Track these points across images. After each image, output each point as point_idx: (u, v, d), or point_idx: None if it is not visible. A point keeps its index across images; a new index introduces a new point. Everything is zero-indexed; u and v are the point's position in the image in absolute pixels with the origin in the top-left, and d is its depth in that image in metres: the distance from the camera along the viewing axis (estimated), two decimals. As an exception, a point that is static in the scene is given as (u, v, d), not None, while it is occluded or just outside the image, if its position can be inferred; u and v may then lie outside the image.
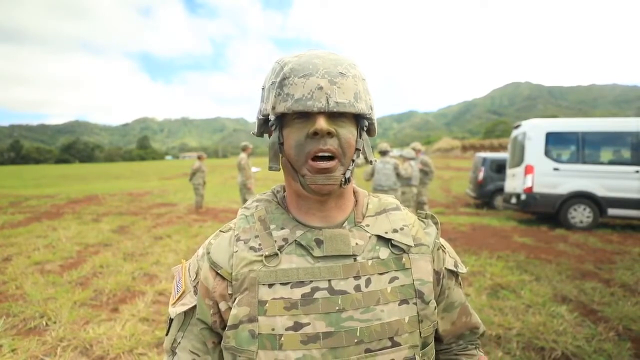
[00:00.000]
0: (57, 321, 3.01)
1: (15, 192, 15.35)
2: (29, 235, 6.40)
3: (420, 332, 0.60)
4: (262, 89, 0.63)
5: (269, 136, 0.63)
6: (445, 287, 0.69)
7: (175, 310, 0.62)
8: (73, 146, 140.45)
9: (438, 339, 0.72)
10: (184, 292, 0.64)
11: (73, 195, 13.18)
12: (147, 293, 3.65)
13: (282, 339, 0.55)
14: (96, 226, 7.31)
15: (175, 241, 5.91)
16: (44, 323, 3.00)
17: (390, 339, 0.57)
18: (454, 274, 0.71)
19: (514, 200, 7.63)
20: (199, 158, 9.62)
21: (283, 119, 0.60)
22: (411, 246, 0.63)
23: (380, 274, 0.60)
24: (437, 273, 0.66)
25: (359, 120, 0.61)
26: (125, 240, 6.02)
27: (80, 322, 3.03)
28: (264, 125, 0.63)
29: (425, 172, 7.47)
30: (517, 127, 8.07)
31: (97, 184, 19.84)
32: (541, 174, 7.05)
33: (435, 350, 0.72)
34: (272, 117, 0.59)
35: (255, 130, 0.66)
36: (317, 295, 0.57)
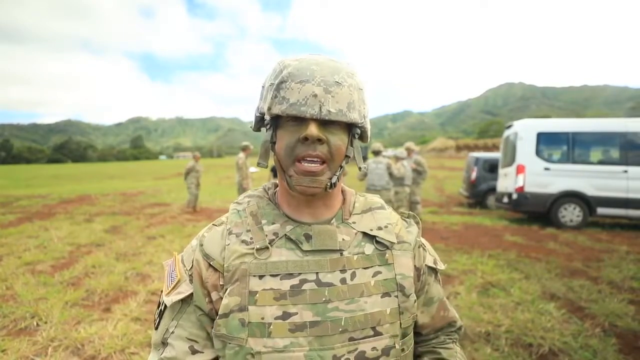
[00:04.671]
0: (48, 321, 3.00)
1: (6, 192, 15.17)
2: (20, 236, 6.33)
3: (400, 323, 0.63)
4: (262, 87, 0.65)
5: (266, 132, 0.66)
6: (425, 282, 0.72)
7: (170, 299, 0.63)
8: (65, 146, 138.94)
9: (418, 331, 0.74)
10: (179, 281, 0.65)
11: (65, 195, 13.05)
12: (139, 293, 3.64)
13: (271, 327, 0.57)
14: (88, 226, 7.25)
15: (169, 241, 5.89)
16: (35, 323, 2.98)
17: (373, 328, 0.61)
18: (433, 270, 0.74)
19: (505, 199, 7.71)
20: (194, 158, 9.62)
21: (278, 120, 0.62)
22: (394, 243, 0.67)
23: (365, 268, 0.63)
24: (417, 269, 0.70)
25: (351, 128, 0.63)
26: (118, 240, 5.98)
27: (71, 322, 3.01)
28: (261, 121, 0.67)
29: (419, 172, 7.53)
30: (509, 127, 8.16)
31: (90, 184, 19.66)
32: (532, 174, 7.14)
33: (415, 343, 0.75)
34: (267, 118, 0.62)
35: (253, 125, 0.69)
36: (305, 286, 0.60)
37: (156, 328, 0.65)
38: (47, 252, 5.21)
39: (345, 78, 0.59)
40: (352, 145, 0.64)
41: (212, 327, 0.62)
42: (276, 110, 0.59)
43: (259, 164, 0.67)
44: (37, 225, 7.41)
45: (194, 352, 0.61)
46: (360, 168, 0.69)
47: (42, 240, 5.94)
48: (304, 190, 0.60)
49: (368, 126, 0.66)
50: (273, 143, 0.63)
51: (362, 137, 0.67)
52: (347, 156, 0.63)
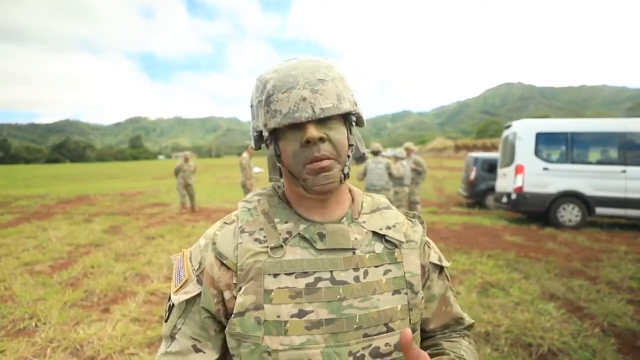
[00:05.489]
0: (47, 322, 2.99)
1: (4, 192, 15.11)
2: (19, 236, 6.31)
3: (410, 319, 0.65)
4: (251, 106, 0.66)
5: (267, 148, 0.67)
6: (428, 279, 0.74)
7: (177, 297, 0.65)
8: (64, 145, 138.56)
9: (422, 328, 0.75)
10: (186, 280, 0.66)
11: (64, 196, 13.02)
12: (138, 293, 3.63)
13: (287, 325, 0.58)
14: (87, 226, 7.23)
15: (168, 241, 5.88)
16: (34, 324, 2.97)
17: (385, 325, 0.62)
18: (437, 267, 0.76)
19: (504, 199, 7.72)
20: (184, 158, 9.39)
21: (276, 133, 0.63)
22: (403, 242, 0.68)
23: (376, 266, 0.65)
24: (423, 267, 0.72)
25: (347, 117, 0.64)
26: (116, 240, 5.97)
27: (70, 322, 3.01)
28: (260, 139, 0.67)
29: (418, 172, 7.53)
30: (507, 127, 8.17)
31: (89, 184, 19.61)
32: (531, 174, 7.15)
33: (423, 339, 0.77)
34: (265, 134, 0.63)
35: (253, 145, 0.69)
36: (320, 285, 0.61)
37: (166, 321, 0.67)
38: (45, 252, 5.20)
39: (326, 73, 0.60)
40: (351, 134, 0.65)
41: (215, 328, 0.64)
42: (272, 124, 0.60)
43: (271, 180, 0.68)
44: (36, 225, 7.39)
45: (197, 350, 0.63)
46: (363, 154, 0.70)
47: (40, 240, 5.92)
48: (321, 189, 0.61)
49: (360, 110, 0.67)
50: (278, 156, 0.64)
51: (358, 122, 0.68)
52: (350, 145, 0.64)
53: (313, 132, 0.58)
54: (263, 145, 0.69)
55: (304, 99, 0.58)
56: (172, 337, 0.65)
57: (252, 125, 0.67)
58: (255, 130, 0.66)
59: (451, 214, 9.00)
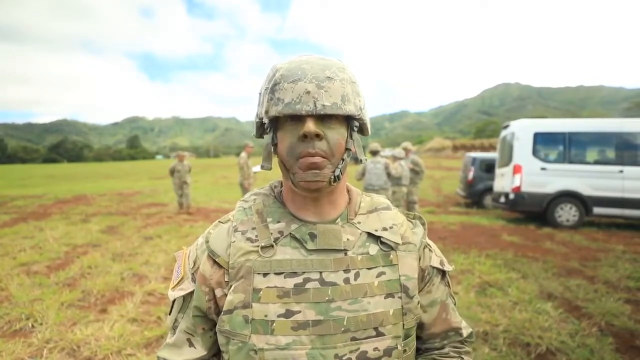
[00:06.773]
0: (44, 322, 2.97)
1: (1, 192, 15.03)
2: (15, 236, 6.28)
3: (403, 324, 0.63)
4: (259, 93, 0.67)
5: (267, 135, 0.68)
6: (429, 283, 0.72)
7: (174, 294, 0.67)
8: (61, 145, 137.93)
9: (419, 335, 0.73)
10: (182, 278, 0.68)
11: (61, 195, 12.96)
12: (136, 293, 3.61)
13: (274, 324, 0.58)
14: (84, 226, 7.20)
15: (165, 241, 5.86)
16: (30, 325, 2.96)
17: (375, 329, 0.61)
18: (440, 271, 0.73)
19: (502, 199, 7.74)
20: (178, 157, 9.15)
21: (277, 122, 0.63)
22: (399, 244, 0.67)
23: (369, 268, 0.63)
24: (422, 270, 0.70)
25: (349, 121, 0.64)
26: (114, 240, 5.95)
27: (67, 323, 2.99)
28: (261, 127, 0.67)
29: (416, 172, 7.54)
30: (505, 127, 8.19)
31: (86, 184, 19.52)
32: (529, 174, 7.17)
33: (419, 350, 0.74)
34: (266, 120, 0.63)
35: (255, 132, 0.70)
36: (308, 285, 0.60)
37: (169, 314, 0.70)
38: (42, 252, 5.18)
39: (336, 72, 0.60)
40: (351, 138, 0.64)
41: (203, 326, 0.66)
42: (273, 112, 0.60)
43: (262, 167, 0.68)
44: (33, 225, 7.35)
45: (190, 344, 0.66)
46: (361, 160, 0.69)
47: (37, 240, 5.89)
48: (308, 185, 0.60)
49: (367, 119, 0.66)
50: (275, 145, 0.64)
51: (362, 130, 0.68)
52: (348, 149, 0.63)
53: (311, 126, 0.57)
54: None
55: (308, 93, 0.57)
56: (173, 330, 0.68)
57: (256, 112, 0.68)
58: (258, 117, 0.66)
59: (449, 213, 9.00)
